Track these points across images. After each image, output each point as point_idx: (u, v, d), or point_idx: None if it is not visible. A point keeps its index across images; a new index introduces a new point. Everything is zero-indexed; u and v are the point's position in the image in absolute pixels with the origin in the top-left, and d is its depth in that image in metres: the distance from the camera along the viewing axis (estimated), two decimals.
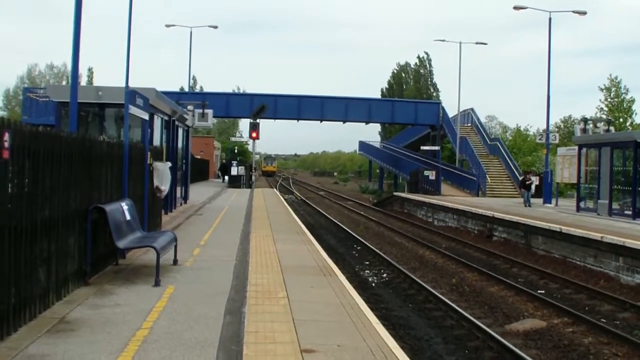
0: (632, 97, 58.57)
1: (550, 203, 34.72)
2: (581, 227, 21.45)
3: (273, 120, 56.76)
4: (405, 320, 13.83)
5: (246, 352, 7.12)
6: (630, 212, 25.54)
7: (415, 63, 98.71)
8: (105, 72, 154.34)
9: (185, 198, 28.69)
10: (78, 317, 8.33)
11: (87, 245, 10.28)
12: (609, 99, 58.16)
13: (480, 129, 57.13)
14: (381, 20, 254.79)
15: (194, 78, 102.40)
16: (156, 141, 20.33)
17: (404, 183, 55.70)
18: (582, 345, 11.99)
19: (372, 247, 24.36)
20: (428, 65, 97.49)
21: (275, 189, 56.25)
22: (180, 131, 26.75)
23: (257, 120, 44.81)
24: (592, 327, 13.09)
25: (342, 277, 12.25)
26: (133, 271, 11.87)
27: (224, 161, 75.44)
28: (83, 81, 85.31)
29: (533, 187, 34.69)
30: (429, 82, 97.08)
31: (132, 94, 13.55)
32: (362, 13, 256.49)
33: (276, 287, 10.85)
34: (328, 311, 9.31)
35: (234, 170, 50.87)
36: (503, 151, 50.82)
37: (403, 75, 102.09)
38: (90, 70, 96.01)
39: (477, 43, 53.57)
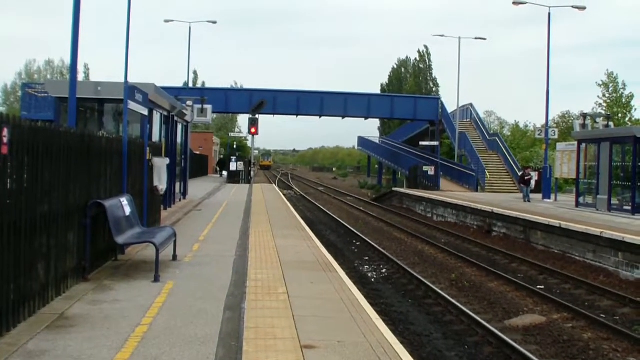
0: (630, 93, 58.62)
1: (549, 198, 34.70)
2: (580, 223, 21.44)
3: (272, 115, 56.66)
4: (405, 315, 13.82)
5: (246, 348, 7.10)
6: (629, 208, 25.51)
7: (415, 58, 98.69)
8: (101, 68, 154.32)
9: (184, 193, 28.69)
10: (77, 313, 8.31)
11: (86, 241, 10.25)
12: (607, 95, 58.12)
13: (480, 124, 57.15)
14: (381, 14, 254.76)
15: (195, 73, 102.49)
16: (155, 137, 20.33)
17: (403, 178, 55.74)
18: (581, 341, 11.98)
19: (371, 242, 24.34)
20: (427, 60, 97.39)
21: (274, 185, 56.28)
22: (179, 127, 26.74)
23: (256, 116, 44.71)
24: (592, 322, 13.08)
25: (342, 273, 12.24)
26: (132, 267, 11.86)
27: (221, 157, 75.40)
28: (80, 77, 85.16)
29: (532, 182, 34.70)
30: (429, 77, 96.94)
31: (131, 90, 13.51)
32: (362, 6, 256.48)
33: (276, 282, 10.83)
34: (328, 307, 9.30)
35: (232, 166, 50.80)
36: (502, 146, 50.83)
37: (403, 70, 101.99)
38: (86, 66, 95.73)
39: (476, 38, 54.09)
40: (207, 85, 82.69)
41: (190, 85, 60.14)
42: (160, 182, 15.94)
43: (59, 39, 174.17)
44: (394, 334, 8.30)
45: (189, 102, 32.00)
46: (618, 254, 18.11)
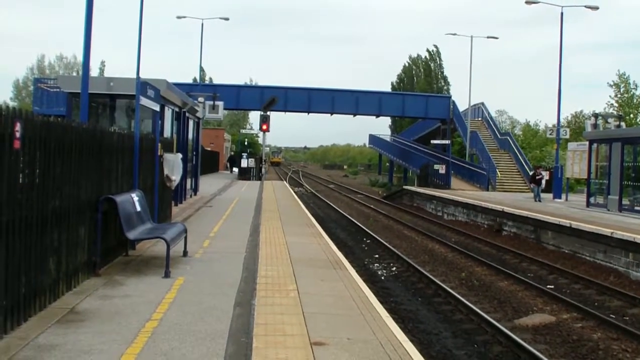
0: None
1: (560, 198, 34.59)
2: (591, 223, 21.37)
3: (283, 112, 56.72)
4: (414, 313, 13.81)
5: (256, 344, 7.12)
6: None
7: (425, 56, 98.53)
8: (116, 65, 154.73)
9: (195, 190, 28.74)
10: (88, 308, 8.35)
11: (97, 236, 10.29)
12: (618, 95, 57.79)
13: (491, 123, 57.04)
14: (391, 14, 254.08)
15: (202, 69, 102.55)
16: (167, 133, 20.37)
17: (414, 177, 55.63)
18: (591, 341, 11.95)
19: (381, 240, 24.32)
20: (438, 59, 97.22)
21: (285, 182, 56.27)
22: (190, 123, 26.78)
23: (268, 113, 44.79)
24: (602, 322, 13.03)
25: (352, 270, 12.25)
26: (143, 262, 11.90)
27: (232, 153, 75.49)
28: (94, 73, 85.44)
29: (543, 182, 34.59)
30: (439, 75, 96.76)
31: (143, 85, 13.54)
32: (375, 5, 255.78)
33: (286, 279, 10.85)
34: (338, 304, 9.31)
35: (244, 163, 50.87)
36: (513, 146, 50.71)
37: (414, 68, 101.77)
38: (102, 63, 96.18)
39: (488, 37, 53.46)
40: (214, 82, 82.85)
41: (198, 82, 60.15)
42: (173, 173, 15.93)
43: (74, 35, 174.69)
44: (403, 332, 8.30)
45: (201, 99, 32.10)
46: (629, 254, 18.04)
